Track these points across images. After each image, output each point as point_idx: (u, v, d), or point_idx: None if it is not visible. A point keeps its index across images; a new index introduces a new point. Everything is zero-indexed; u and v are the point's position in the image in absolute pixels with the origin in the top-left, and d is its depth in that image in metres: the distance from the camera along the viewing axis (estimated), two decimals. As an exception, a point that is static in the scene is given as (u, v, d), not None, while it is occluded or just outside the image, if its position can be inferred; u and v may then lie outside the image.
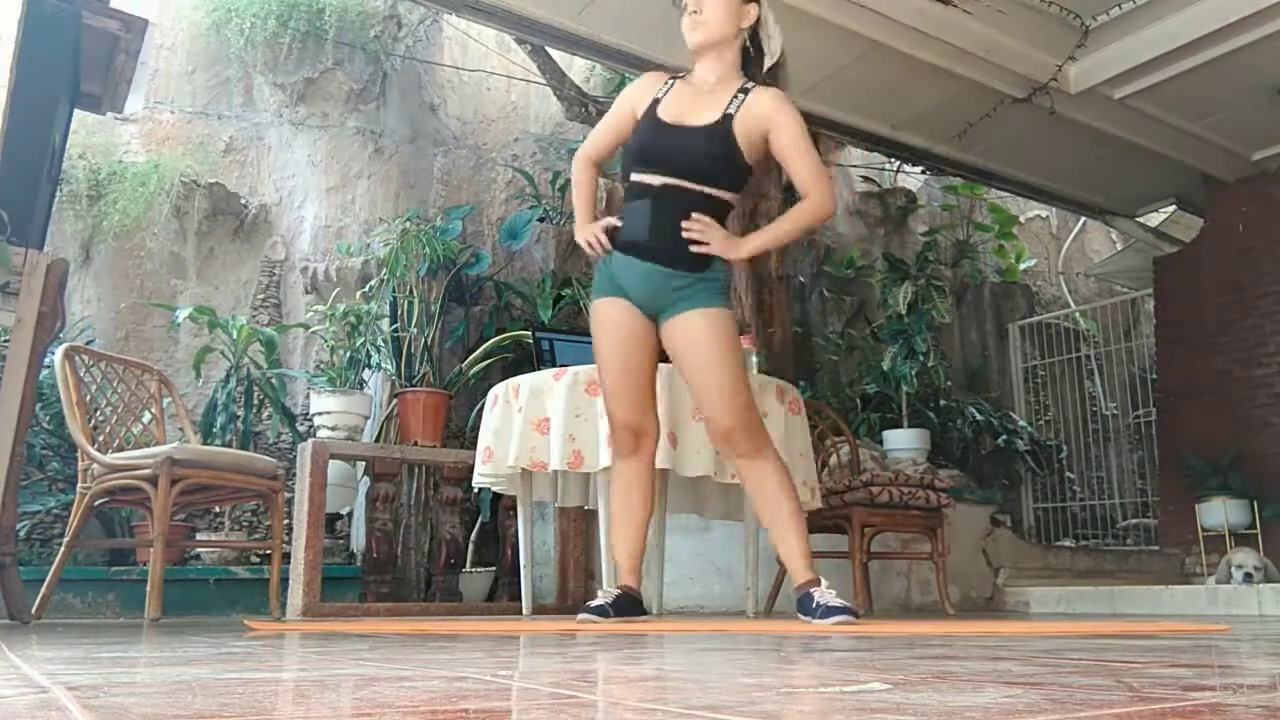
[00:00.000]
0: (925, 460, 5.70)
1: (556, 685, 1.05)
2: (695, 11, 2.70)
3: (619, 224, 2.72)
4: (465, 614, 4.11)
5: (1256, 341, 6.12)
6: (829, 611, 2.47)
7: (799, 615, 2.60)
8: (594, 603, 2.75)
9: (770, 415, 3.33)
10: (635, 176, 2.73)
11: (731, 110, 2.66)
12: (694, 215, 2.64)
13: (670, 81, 2.80)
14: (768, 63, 2.78)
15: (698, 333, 2.66)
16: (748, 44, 2.78)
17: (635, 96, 2.83)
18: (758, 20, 2.77)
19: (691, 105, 2.72)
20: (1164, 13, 4.73)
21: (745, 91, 2.71)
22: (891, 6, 4.48)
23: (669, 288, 2.67)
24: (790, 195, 6.37)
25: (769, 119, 2.67)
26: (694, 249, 2.64)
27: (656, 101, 2.75)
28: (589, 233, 2.76)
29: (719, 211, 2.71)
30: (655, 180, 2.67)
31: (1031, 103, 5.12)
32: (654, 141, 2.72)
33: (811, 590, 2.57)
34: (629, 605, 2.74)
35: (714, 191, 2.69)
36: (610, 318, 2.75)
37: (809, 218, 2.74)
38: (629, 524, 2.79)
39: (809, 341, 6.80)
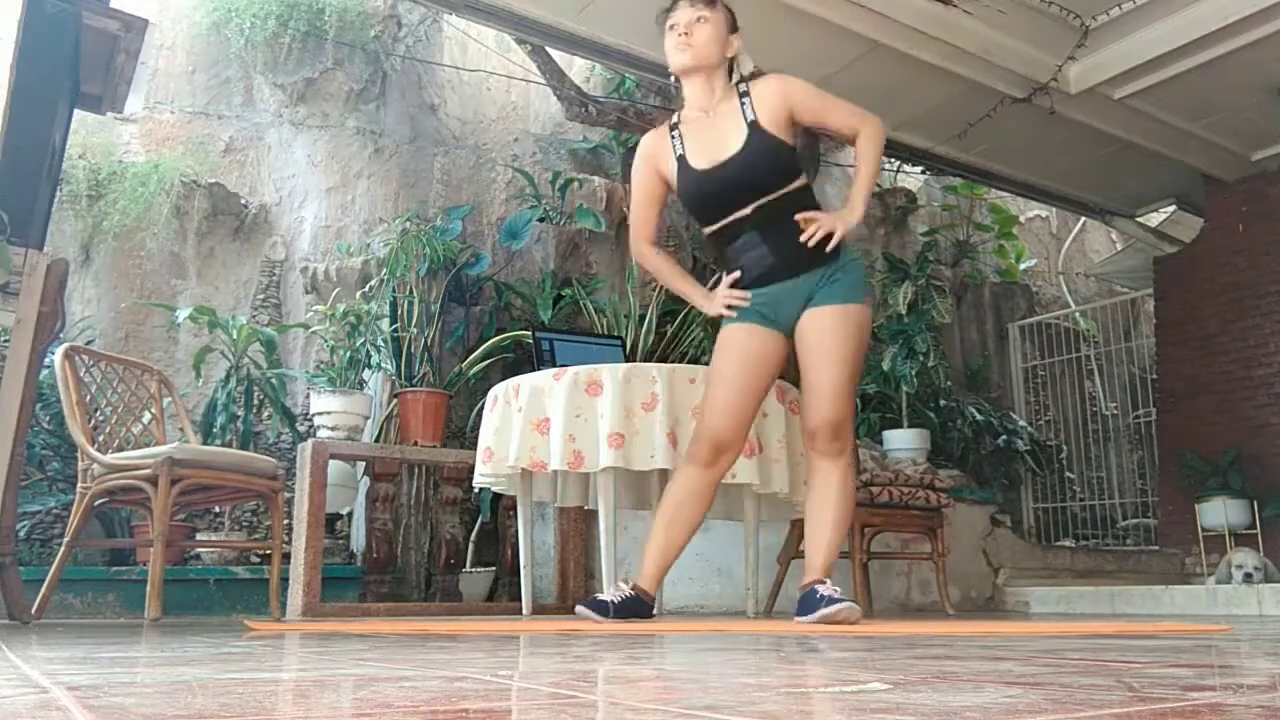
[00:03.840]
0: (925, 460, 5.70)
1: (556, 685, 1.05)
2: (685, 34, 2.74)
3: (739, 274, 2.75)
4: (465, 614, 4.11)
5: (1256, 341, 6.12)
6: (830, 601, 2.50)
7: (796, 618, 2.60)
8: (600, 596, 2.75)
9: (771, 415, 3.34)
10: (717, 226, 2.76)
11: (750, 116, 2.71)
12: (797, 218, 2.67)
13: (673, 133, 2.82)
14: (734, 77, 2.82)
15: (837, 324, 2.69)
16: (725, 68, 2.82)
17: (652, 159, 2.85)
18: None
19: (712, 139, 2.74)
20: (1164, 13, 4.73)
21: (746, 93, 2.74)
22: (891, 6, 4.48)
23: (813, 285, 2.70)
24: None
25: (783, 99, 2.73)
26: (824, 249, 2.66)
27: (681, 157, 2.77)
28: (721, 299, 2.76)
29: (807, 200, 2.75)
30: (742, 212, 2.71)
31: (1031, 103, 5.12)
32: (709, 190, 2.74)
33: (817, 586, 2.59)
34: (636, 607, 2.73)
35: (792, 187, 2.72)
36: (744, 340, 2.75)
37: (878, 144, 2.79)
38: (674, 531, 2.79)
39: (809, 341, 6.78)
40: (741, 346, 2.75)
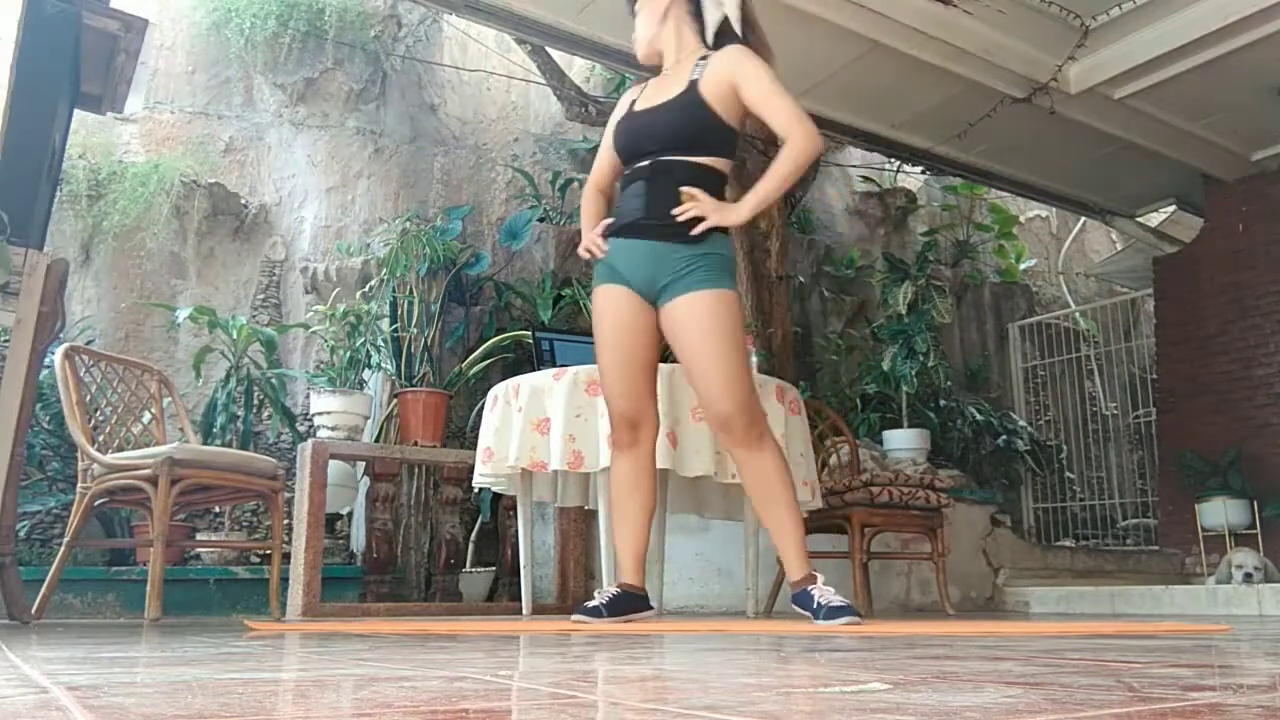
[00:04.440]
0: (925, 460, 5.70)
1: (556, 685, 1.05)
2: (633, 31, 2.85)
3: (611, 220, 2.77)
4: (465, 614, 4.11)
5: (1256, 341, 6.12)
6: (832, 612, 2.46)
7: (797, 608, 2.59)
8: (589, 603, 2.74)
9: (770, 415, 3.33)
10: (626, 171, 2.79)
11: (695, 76, 2.68)
12: (683, 189, 2.61)
13: (645, 84, 2.88)
14: (710, 29, 2.78)
15: (697, 314, 2.60)
16: (691, 21, 2.81)
17: (616, 111, 2.91)
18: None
19: (660, 90, 2.77)
20: (1164, 13, 4.73)
21: (705, 58, 2.73)
22: (891, 6, 4.48)
23: (669, 265, 2.62)
24: (789, 193, 6.38)
25: (733, 74, 2.65)
26: (692, 228, 2.59)
27: (633, 102, 2.83)
28: (587, 239, 2.80)
29: (713, 182, 2.67)
30: (643, 161, 2.71)
31: (1031, 103, 5.12)
32: (631, 130, 2.77)
33: (809, 588, 2.55)
34: (629, 603, 2.72)
35: (702, 160, 2.67)
36: (608, 304, 2.74)
37: (796, 159, 2.59)
38: (631, 520, 2.75)
39: (809, 341, 6.80)
40: (610, 312, 2.73)
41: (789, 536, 2.61)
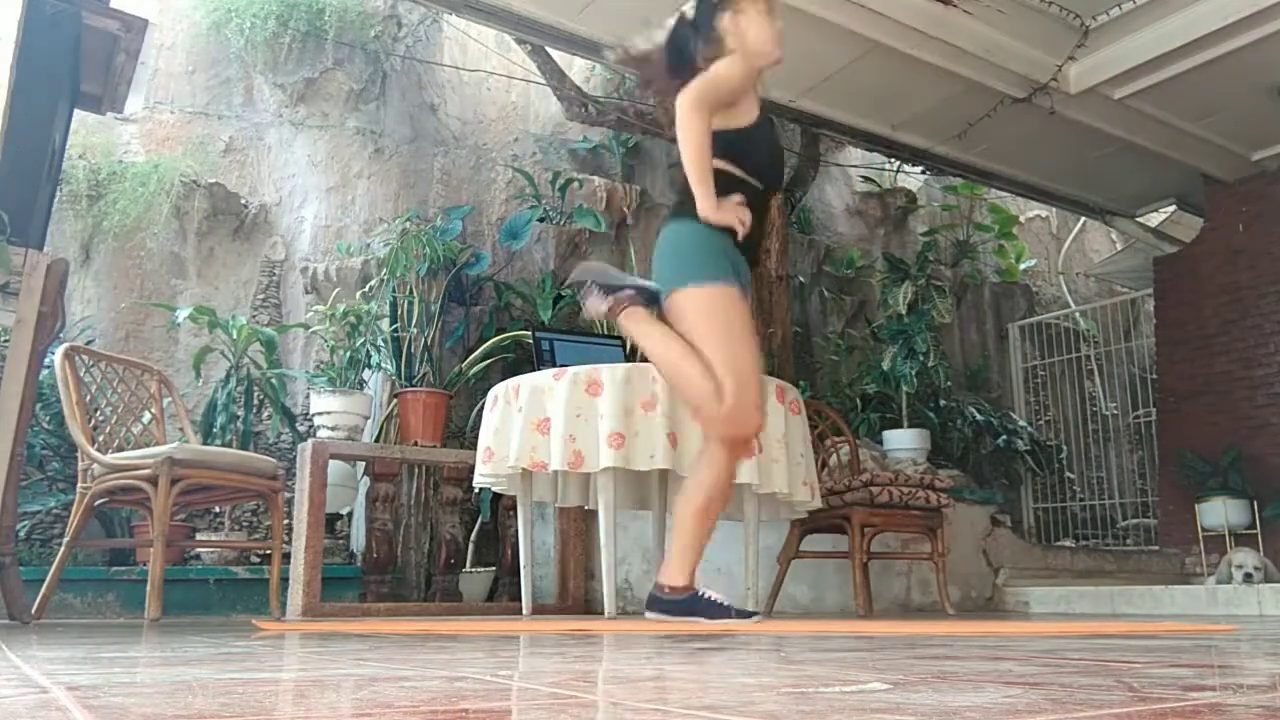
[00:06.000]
0: (925, 460, 5.70)
1: (556, 685, 1.05)
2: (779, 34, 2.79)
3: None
4: (465, 614, 4.11)
5: (1256, 341, 6.12)
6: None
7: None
8: (735, 603, 2.70)
9: (770, 415, 3.33)
10: (755, 182, 2.73)
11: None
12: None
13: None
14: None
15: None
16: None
17: (751, 82, 2.76)
18: None
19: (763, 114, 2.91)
20: (1164, 13, 4.73)
21: None
22: (891, 6, 4.48)
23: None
24: (789, 193, 6.40)
25: None
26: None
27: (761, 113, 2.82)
28: (732, 212, 2.62)
29: None
30: (765, 194, 2.81)
31: (1031, 103, 5.12)
32: (777, 164, 2.89)
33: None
34: None
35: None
36: (742, 306, 2.69)
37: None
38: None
39: (809, 341, 6.80)
40: (745, 314, 2.69)
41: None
